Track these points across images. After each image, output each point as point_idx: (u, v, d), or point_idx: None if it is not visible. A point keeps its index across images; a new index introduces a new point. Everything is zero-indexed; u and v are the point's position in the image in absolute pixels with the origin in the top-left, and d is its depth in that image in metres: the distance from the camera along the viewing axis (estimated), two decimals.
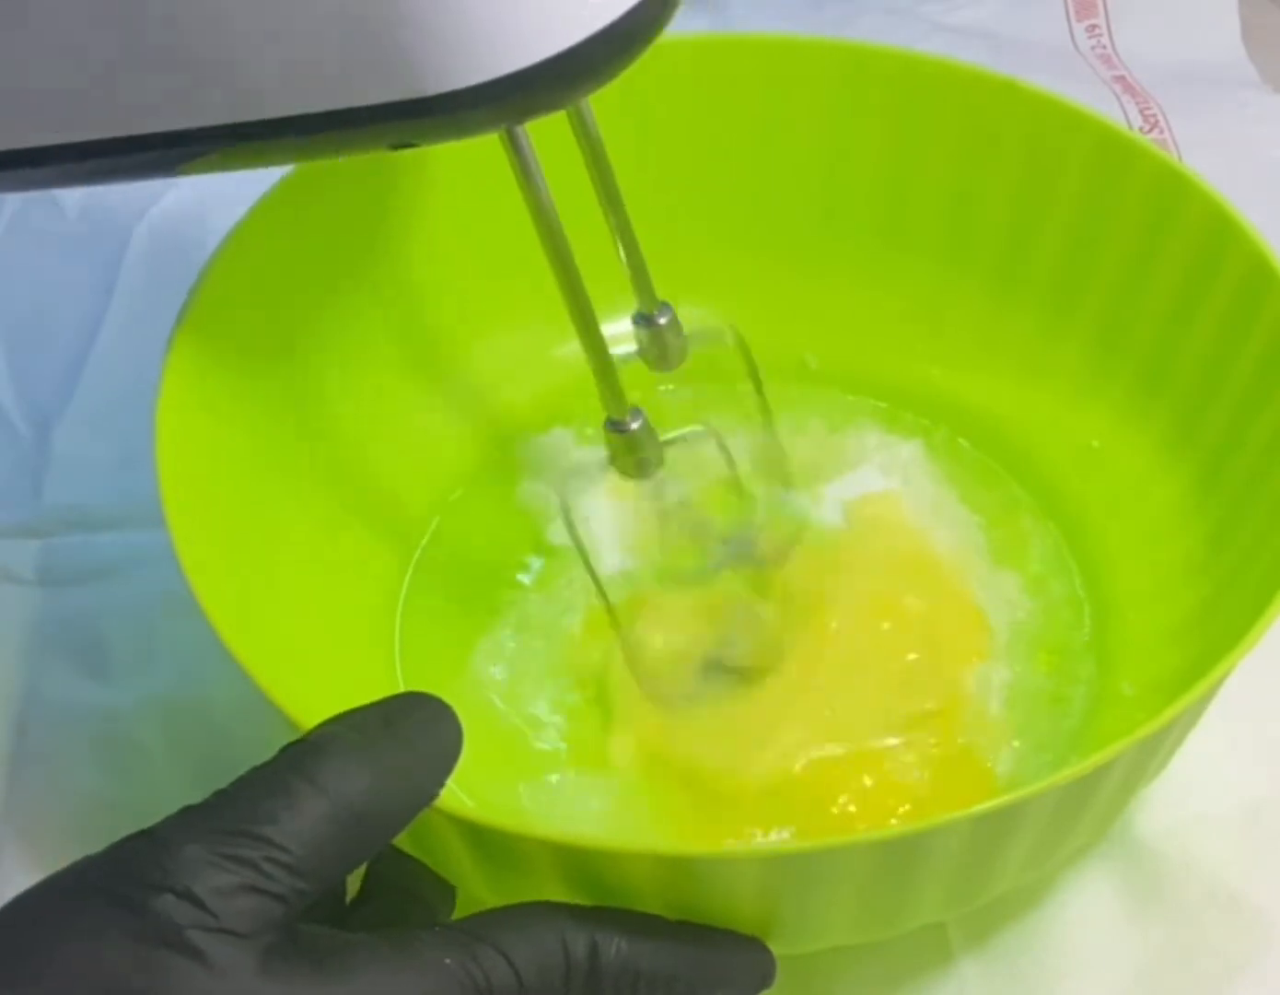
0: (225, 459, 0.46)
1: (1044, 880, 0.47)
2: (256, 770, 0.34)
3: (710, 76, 0.54)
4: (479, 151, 0.50)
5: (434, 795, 0.36)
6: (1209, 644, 0.43)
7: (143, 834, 0.33)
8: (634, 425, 0.43)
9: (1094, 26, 0.75)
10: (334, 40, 0.33)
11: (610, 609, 0.47)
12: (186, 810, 0.33)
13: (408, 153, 0.49)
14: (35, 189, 0.38)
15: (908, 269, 0.56)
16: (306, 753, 0.34)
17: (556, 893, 0.37)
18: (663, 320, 0.45)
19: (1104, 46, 0.75)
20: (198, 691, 0.51)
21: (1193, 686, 0.39)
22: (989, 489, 0.54)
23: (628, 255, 0.44)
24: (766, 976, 0.40)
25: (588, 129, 0.43)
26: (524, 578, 0.52)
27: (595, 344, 0.41)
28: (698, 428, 0.46)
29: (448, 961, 0.34)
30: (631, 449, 0.43)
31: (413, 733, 0.36)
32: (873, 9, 0.75)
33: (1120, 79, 0.72)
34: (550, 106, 0.35)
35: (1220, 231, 0.48)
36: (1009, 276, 0.54)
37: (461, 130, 0.35)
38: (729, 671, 0.48)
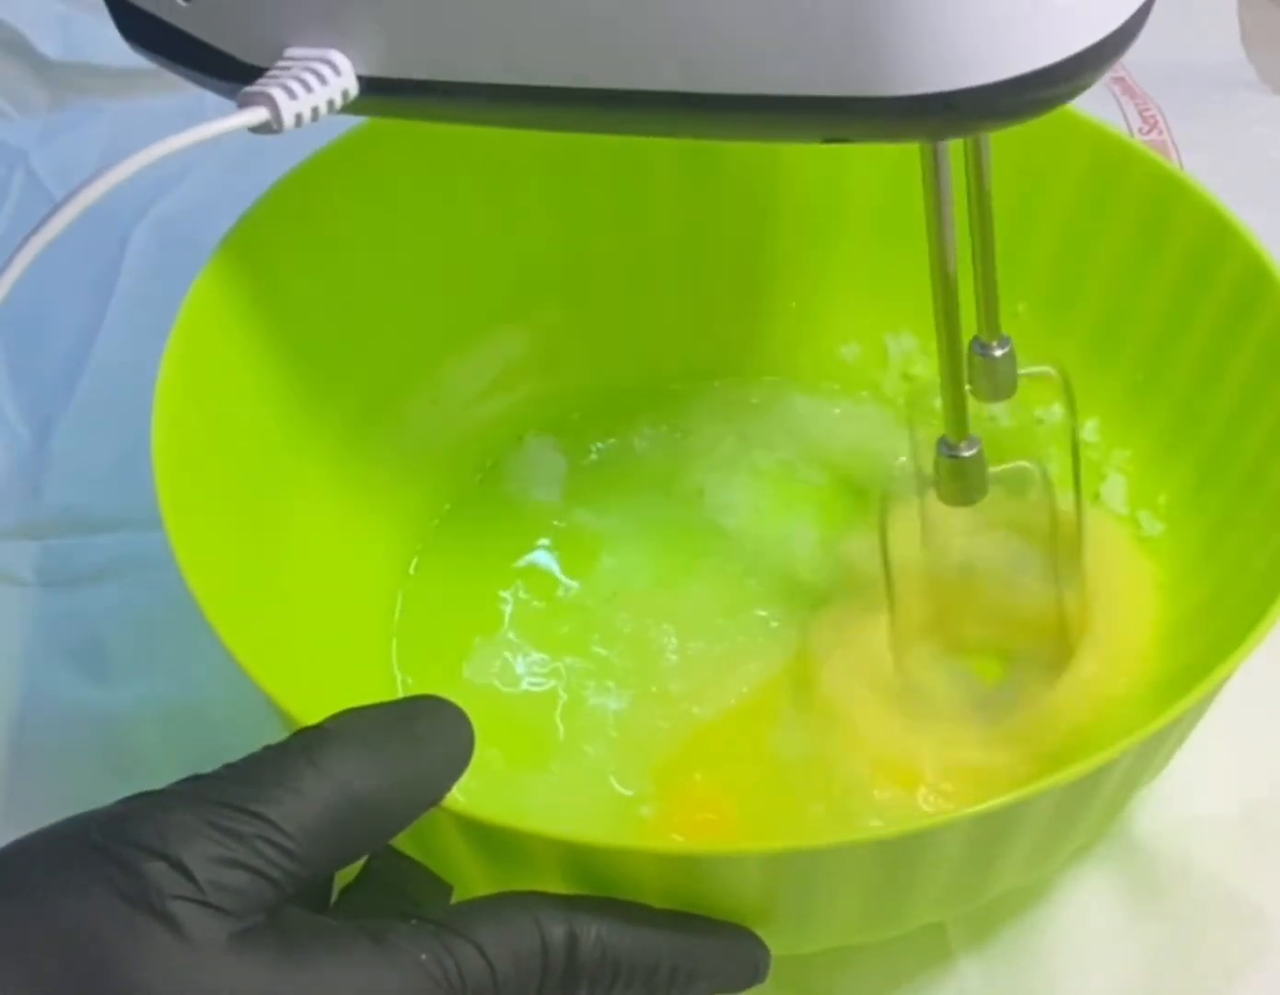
0: (224, 460, 0.46)
1: (1044, 880, 0.47)
2: (268, 749, 0.34)
3: None
4: (479, 153, 0.51)
5: (440, 797, 0.36)
6: (1209, 644, 0.43)
7: (148, 795, 0.33)
8: (968, 452, 0.43)
9: None
10: (789, 25, 0.33)
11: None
12: (194, 779, 0.33)
13: (406, 160, 0.50)
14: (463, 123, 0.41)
15: (900, 270, 0.56)
16: (317, 739, 0.34)
17: (557, 889, 0.37)
18: (1000, 352, 0.45)
19: None
20: (197, 691, 0.51)
21: (1193, 687, 0.39)
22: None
23: (986, 284, 0.44)
24: (758, 968, 0.39)
25: (980, 151, 0.42)
26: (523, 579, 0.52)
27: (955, 368, 0.41)
28: (1027, 463, 0.46)
29: (423, 956, 0.34)
30: (960, 475, 0.43)
31: (425, 734, 0.36)
32: None
33: (1119, 80, 0.72)
34: (978, 129, 0.36)
35: (1216, 234, 0.49)
36: (1003, 280, 0.54)
37: (892, 135, 0.35)
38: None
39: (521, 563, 0.53)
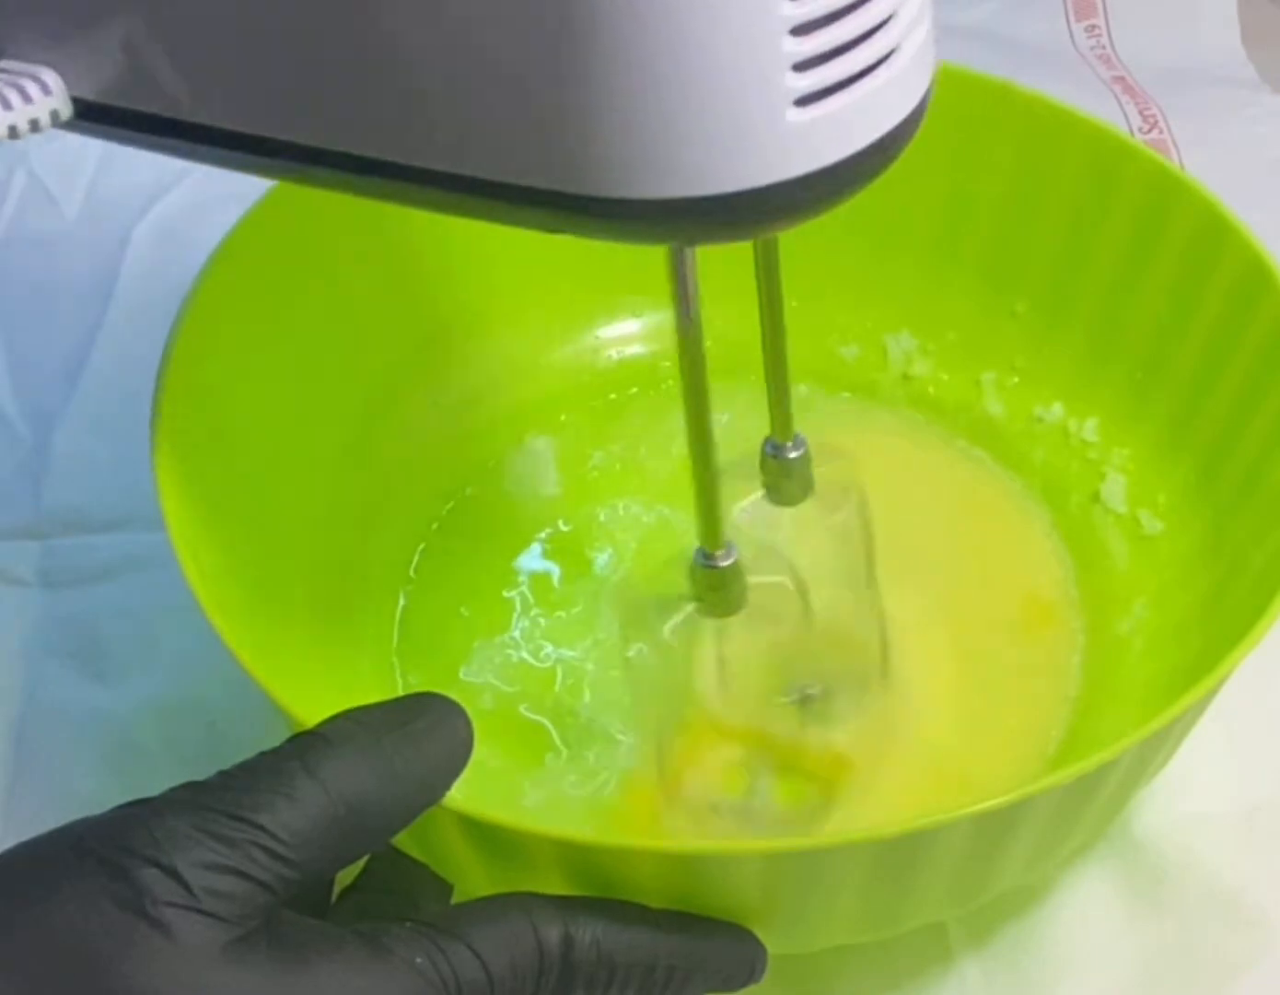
0: (224, 460, 0.46)
1: (1044, 880, 0.47)
2: (262, 755, 0.34)
3: None
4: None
5: (439, 797, 0.36)
6: (1209, 644, 0.43)
7: (143, 803, 0.33)
8: (725, 562, 0.41)
9: (1093, 27, 0.75)
10: (507, 112, 0.31)
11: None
12: (189, 786, 0.33)
13: None
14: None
15: (900, 270, 0.56)
16: (312, 744, 0.34)
17: (557, 887, 0.37)
18: (794, 454, 0.43)
19: (1103, 47, 0.75)
20: (197, 692, 0.51)
21: (1194, 688, 0.39)
22: (983, 488, 0.54)
23: (776, 381, 0.42)
24: (755, 967, 0.39)
25: (768, 249, 0.41)
26: (523, 580, 0.52)
27: (707, 474, 0.39)
28: (783, 579, 0.43)
29: (418, 960, 0.34)
30: (719, 585, 0.41)
31: (423, 733, 0.35)
32: None
33: (1120, 79, 0.72)
34: (721, 239, 0.33)
35: (1215, 233, 0.49)
36: (1002, 278, 0.54)
37: (624, 237, 0.33)
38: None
39: (522, 563, 0.53)
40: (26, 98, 0.36)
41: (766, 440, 0.44)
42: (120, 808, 0.33)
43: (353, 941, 0.34)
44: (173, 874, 0.31)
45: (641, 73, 0.29)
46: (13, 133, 0.36)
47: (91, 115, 0.37)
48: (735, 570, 0.41)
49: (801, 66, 0.29)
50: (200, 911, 0.31)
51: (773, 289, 0.41)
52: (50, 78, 0.36)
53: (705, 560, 0.41)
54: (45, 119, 0.36)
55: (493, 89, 0.31)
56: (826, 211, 0.32)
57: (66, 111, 0.37)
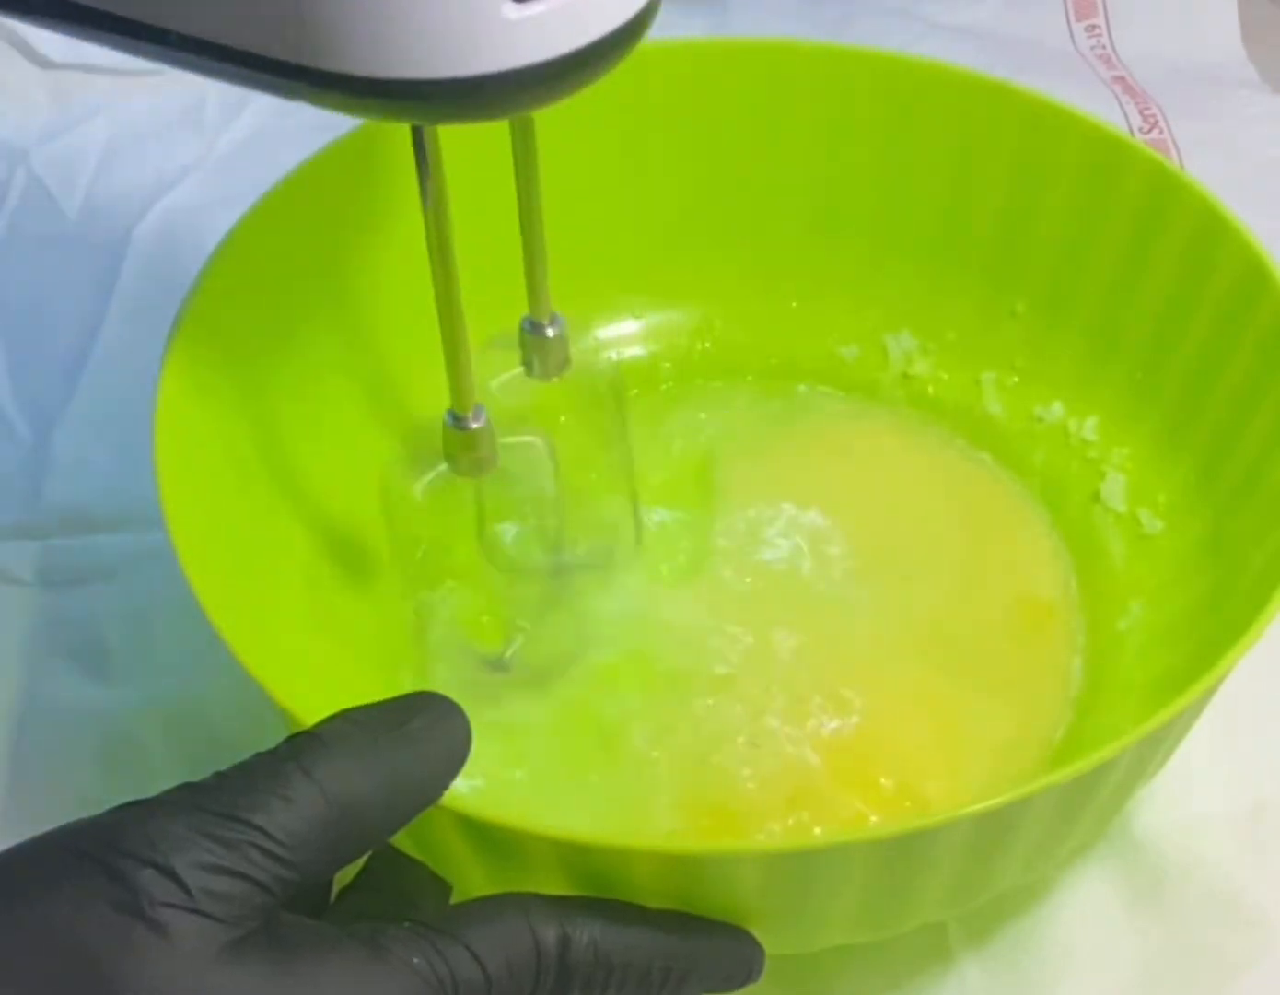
0: (224, 459, 0.46)
1: (1044, 880, 0.47)
2: (258, 756, 0.34)
3: (704, 79, 0.54)
4: (478, 152, 0.51)
5: (437, 796, 0.36)
6: (1208, 643, 0.43)
7: (139, 803, 0.33)
8: (475, 424, 0.43)
9: (1093, 26, 0.75)
10: None
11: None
12: (185, 787, 0.33)
13: (405, 160, 0.50)
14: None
15: (900, 270, 0.56)
16: (308, 745, 0.34)
17: (556, 887, 0.37)
18: (551, 331, 0.45)
19: (1103, 47, 0.75)
20: (197, 691, 0.51)
21: (1192, 686, 0.39)
22: (983, 487, 0.54)
23: (531, 259, 0.44)
24: (752, 968, 0.39)
25: (524, 127, 0.42)
26: (522, 580, 0.52)
27: (454, 333, 0.41)
28: (533, 437, 0.46)
29: (415, 960, 0.34)
30: (469, 446, 0.43)
31: (420, 732, 0.35)
32: (871, 9, 0.75)
33: (1120, 79, 0.72)
34: (450, 120, 0.35)
35: (1213, 232, 0.49)
36: (1002, 278, 0.54)
37: (360, 112, 0.35)
38: None
39: (522, 563, 0.53)
40: None
41: (525, 317, 0.46)
42: (116, 809, 0.33)
43: (350, 942, 0.34)
44: (169, 875, 0.31)
45: None
46: None
47: None
48: (484, 433, 0.43)
49: None
50: (197, 912, 0.31)
51: (529, 168, 0.43)
52: None
53: (455, 422, 0.43)
54: None
55: None
56: (543, 105, 0.35)
57: None
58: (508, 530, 0.50)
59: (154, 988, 0.31)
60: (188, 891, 0.31)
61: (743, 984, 0.39)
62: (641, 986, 0.37)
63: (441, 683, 0.48)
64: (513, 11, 0.32)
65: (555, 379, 0.46)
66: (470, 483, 0.46)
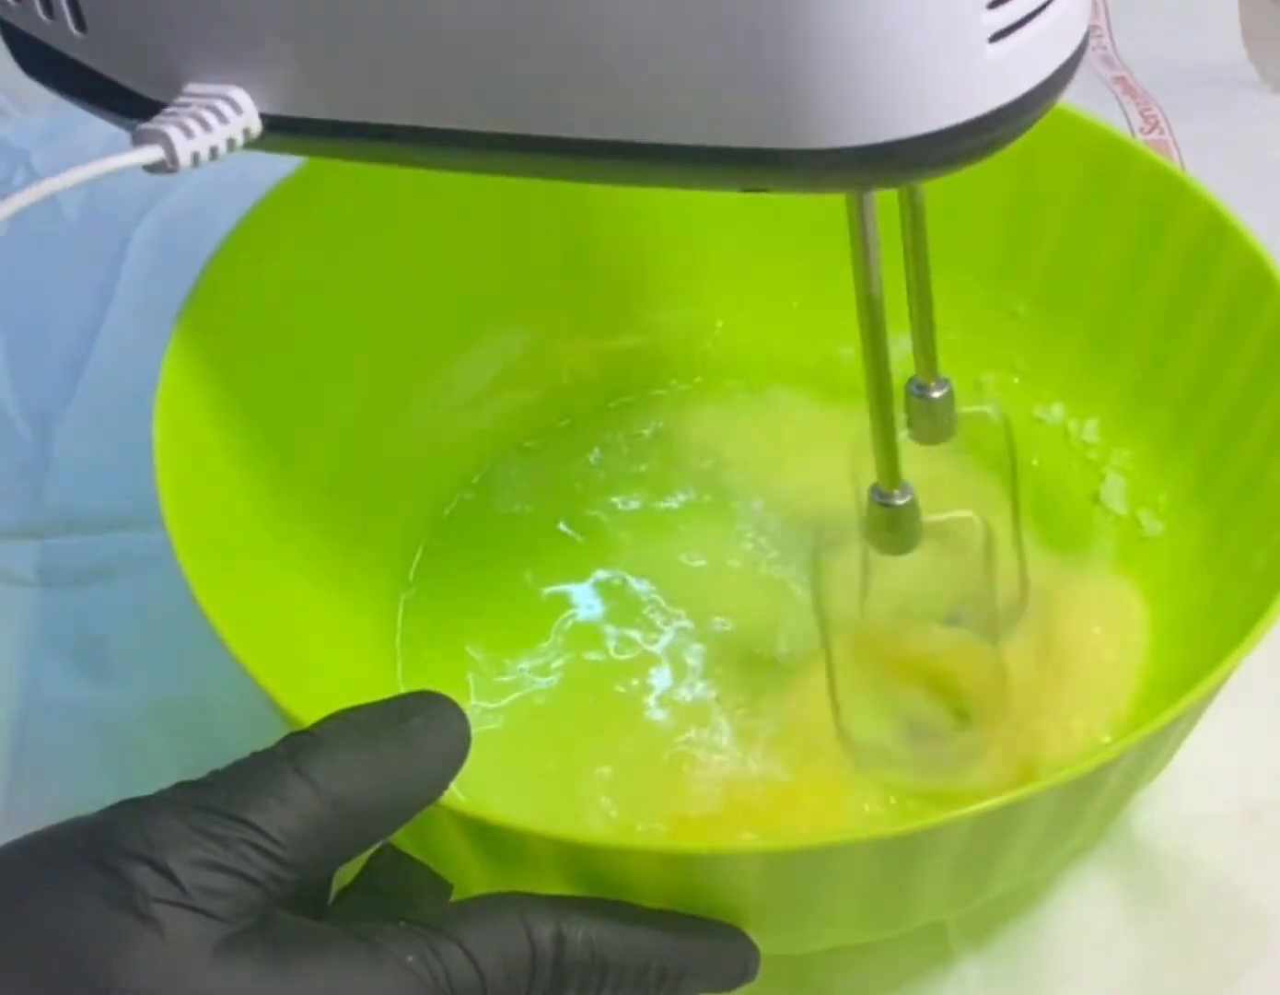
0: (224, 459, 0.46)
1: (1044, 880, 0.47)
2: (255, 755, 0.34)
3: None
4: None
5: (436, 796, 0.36)
6: (1209, 645, 0.43)
7: (134, 802, 0.33)
8: (901, 501, 0.42)
9: (1094, 27, 0.75)
10: (704, 77, 0.32)
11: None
12: (181, 785, 0.33)
13: None
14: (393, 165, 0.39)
15: (902, 272, 0.55)
16: (304, 744, 0.34)
17: (555, 886, 0.37)
18: (938, 394, 0.44)
19: (1104, 47, 0.75)
20: (197, 691, 0.51)
21: (1193, 688, 0.39)
22: (982, 487, 0.54)
23: (922, 324, 0.43)
24: (748, 968, 0.39)
25: (914, 190, 0.41)
26: (522, 581, 0.52)
27: (885, 417, 0.41)
28: (965, 513, 0.45)
29: (409, 959, 0.34)
30: (893, 525, 0.42)
31: (418, 732, 0.35)
32: None
33: (1120, 80, 0.72)
34: (913, 179, 0.36)
35: (1215, 233, 0.49)
36: (1002, 278, 0.54)
37: (813, 187, 0.34)
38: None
39: (522, 565, 0.53)
40: (222, 118, 0.37)
41: (911, 380, 0.44)
42: (110, 807, 0.33)
43: (344, 940, 0.34)
44: (164, 871, 0.31)
45: (854, 26, 0.31)
46: (213, 154, 0.37)
47: (280, 128, 0.38)
48: (910, 509, 0.42)
49: (995, 3, 0.31)
50: (192, 909, 0.31)
51: (918, 233, 0.42)
52: (240, 96, 0.37)
53: (881, 499, 0.42)
54: (239, 138, 0.38)
55: (696, 53, 0.32)
56: (1013, 141, 0.34)
57: (257, 128, 0.38)
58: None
59: (148, 983, 0.31)
60: (182, 888, 0.31)
61: (739, 984, 0.39)
62: (638, 986, 0.37)
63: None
64: (992, 51, 0.32)
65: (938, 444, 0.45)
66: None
